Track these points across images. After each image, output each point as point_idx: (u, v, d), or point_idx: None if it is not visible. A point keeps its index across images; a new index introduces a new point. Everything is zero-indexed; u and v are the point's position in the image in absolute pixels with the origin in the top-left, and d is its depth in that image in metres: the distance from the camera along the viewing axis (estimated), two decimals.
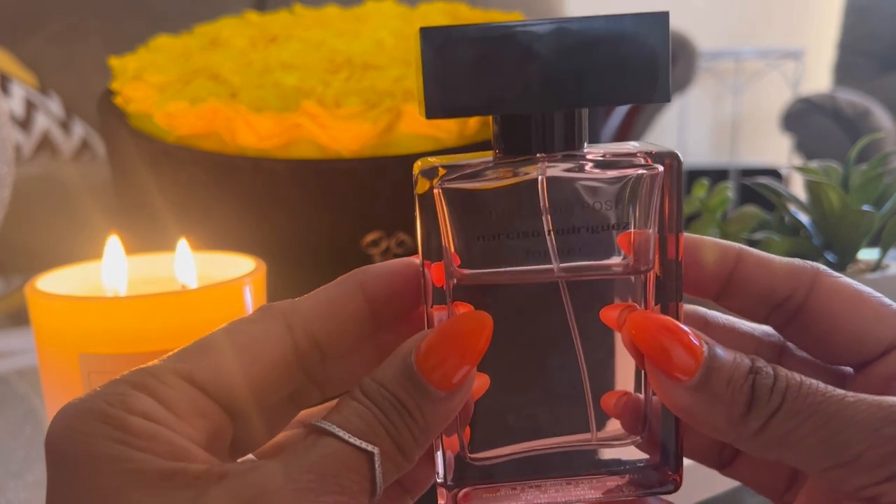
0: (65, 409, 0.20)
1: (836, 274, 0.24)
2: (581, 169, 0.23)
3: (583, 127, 0.23)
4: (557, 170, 0.23)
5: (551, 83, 0.21)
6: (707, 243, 0.25)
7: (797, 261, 0.24)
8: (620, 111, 1.47)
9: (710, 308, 0.26)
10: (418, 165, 0.23)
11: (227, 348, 0.22)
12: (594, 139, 0.24)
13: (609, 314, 0.24)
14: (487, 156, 0.23)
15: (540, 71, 0.21)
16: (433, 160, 0.23)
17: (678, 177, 0.23)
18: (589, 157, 0.23)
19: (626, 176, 0.23)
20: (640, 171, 0.23)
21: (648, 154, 0.23)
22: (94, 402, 0.19)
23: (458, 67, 0.21)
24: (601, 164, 0.23)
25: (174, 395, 0.20)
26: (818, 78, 2.68)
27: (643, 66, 0.22)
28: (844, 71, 2.39)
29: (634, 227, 0.23)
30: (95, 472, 0.18)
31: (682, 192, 0.23)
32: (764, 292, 0.24)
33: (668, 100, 0.22)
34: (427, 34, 0.21)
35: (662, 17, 0.22)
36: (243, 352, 0.22)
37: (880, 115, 2.00)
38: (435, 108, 0.22)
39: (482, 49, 0.21)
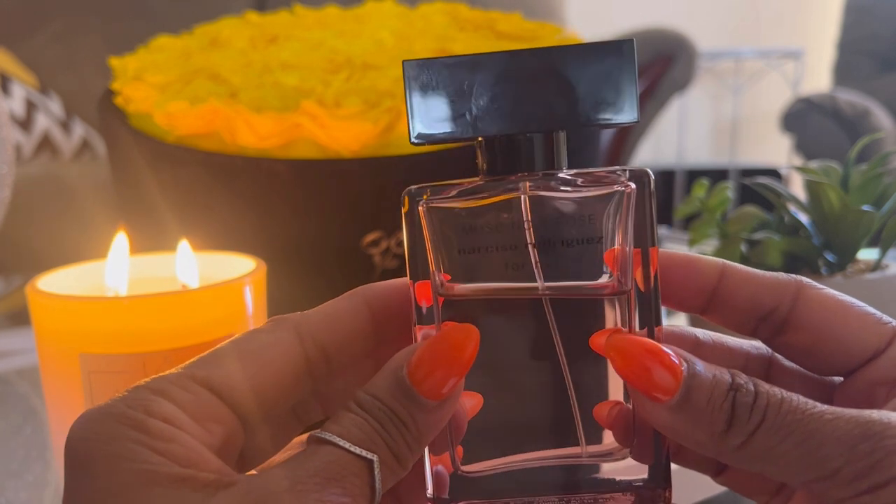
0: (86, 413, 0.20)
1: (819, 286, 0.25)
2: (558, 189, 0.24)
3: (560, 149, 0.24)
4: (537, 190, 0.24)
5: (524, 109, 0.23)
6: (691, 259, 0.25)
7: (781, 274, 0.25)
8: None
9: (697, 325, 0.27)
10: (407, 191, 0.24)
11: (241, 356, 0.22)
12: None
13: (597, 340, 0.25)
14: (475, 180, 0.25)
15: (512, 97, 0.23)
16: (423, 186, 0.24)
17: (650, 195, 0.24)
18: (567, 177, 0.24)
19: (602, 194, 0.24)
20: (615, 189, 0.24)
21: (622, 173, 0.24)
22: (115, 406, 0.20)
23: (437, 96, 0.23)
24: (577, 184, 0.24)
25: (193, 400, 0.21)
26: (818, 78, 2.68)
27: (611, 90, 0.23)
28: (844, 71, 2.39)
29: (611, 243, 0.24)
30: (111, 470, 0.19)
31: (655, 209, 0.24)
32: (749, 305, 0.25)
33: (636, 120, 0.23)
34: (409, 66, 0.23)
35: (628, 44, 0.23)
36: (257, 359, 0.22)
37: (880, 115, 2.00)
38: (419, 135, 0.23)
39: (461, 78, 0.23)
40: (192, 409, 0.21)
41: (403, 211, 0.24)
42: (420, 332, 0.24)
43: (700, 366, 0.22)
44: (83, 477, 0.19)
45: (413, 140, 0.23)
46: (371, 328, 0.25)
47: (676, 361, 0.22)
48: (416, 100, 0.23)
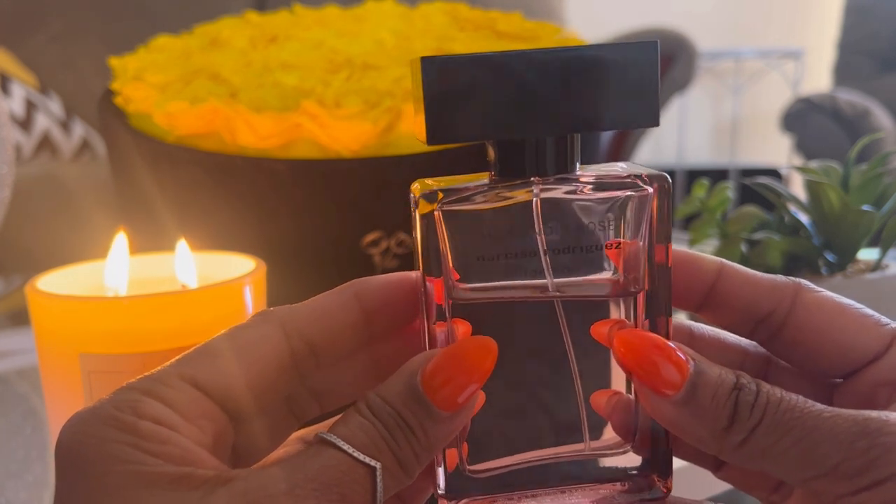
0: (75, 417, 0.20)
1: (817, 288, 0.25)
2: (574, 191, 0.24)
3: (575, 151, 0.24)
4: (551, 192, 0.24)
5: (544, 110, 0.22)
6: (689, 256, 0.25)
7: (779, 277, 0.25)
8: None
9: (697, 321, 0.27)
10: (416, 188, 0.24)
11: (226, 352, 0.22)
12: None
13: (599, 330, 0.25)
14: (483, 177, 0.24)
15: (533, 98, 0.22)
16: (430, 182, 0.24)
17: (667, 198, 0.24)
18: (581, 179, 0.24)
19: (617, 197, 0.24)
20: (631, 193, 0.24)
21: (639, 177, 0.24)
22: (104, 409, 0.20)
23: (456, 95, 0.22)
24: (593, 187, 0.24)
25: (181, 398, 0.21)
26: (818, 78, 2.68)
27: (633, 93, 0.22)
28: (844, 71, 2.39)
29: (624, 244, 0.24)
30: (105, 472, 0.19)
31: (672, 214, 0.24)
32: (746, 307, 0.25)
33: (656, 124, 0.23)
34: (427, 63, 0.22)
35: (652, 46, 0.22)
36: (242, 355, 0.22)
37: (880, 115, 2.00)
38: (435, 136, 0.22)
39: (479, 77, 0.22)
40: (183, 407, 0.20)
41: (419, 212, 0.23)
42: (438, 331, 0.24)
43: (706, 364, 0.22)
44: (76, 479, 0.19)
45: (428, 141, 0.23)
46: (362, 322, 0.24)
47: (683, 358, 0.22)
48: (433, 98, 0.22)
